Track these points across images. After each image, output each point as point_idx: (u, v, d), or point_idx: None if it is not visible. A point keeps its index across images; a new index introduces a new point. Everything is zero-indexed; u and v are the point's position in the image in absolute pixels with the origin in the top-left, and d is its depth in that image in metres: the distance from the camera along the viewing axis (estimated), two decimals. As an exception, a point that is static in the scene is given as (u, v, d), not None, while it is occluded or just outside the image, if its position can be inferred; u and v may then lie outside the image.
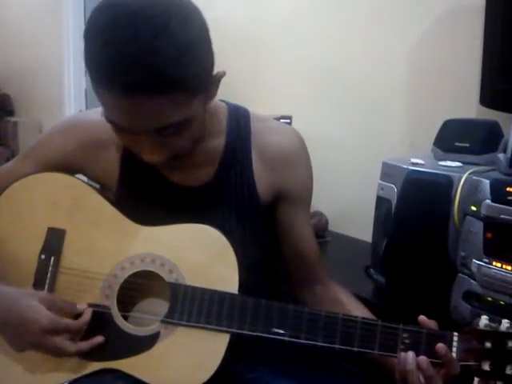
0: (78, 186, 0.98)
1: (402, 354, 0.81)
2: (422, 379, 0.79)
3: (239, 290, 0.87)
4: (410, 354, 0.80)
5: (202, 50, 0.78)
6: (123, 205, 0.96)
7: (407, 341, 0.82)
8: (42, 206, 0.96)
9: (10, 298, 0.86)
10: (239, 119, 0.99)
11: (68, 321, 0.86)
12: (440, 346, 0.80)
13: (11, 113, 4.21)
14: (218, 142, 0.97)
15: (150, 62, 0.71)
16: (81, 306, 0.89)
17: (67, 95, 3.56)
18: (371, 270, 1.45)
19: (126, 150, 0.95)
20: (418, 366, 0.80)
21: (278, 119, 1.74)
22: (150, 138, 0.79)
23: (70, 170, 0.99)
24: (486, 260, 1.09)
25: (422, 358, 0.80)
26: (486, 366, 0.80)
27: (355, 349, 0.83)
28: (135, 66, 0.71)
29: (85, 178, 1.03)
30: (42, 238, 0.95)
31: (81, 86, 3.58)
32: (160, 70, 0.72)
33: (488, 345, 0.80)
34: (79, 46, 3.57)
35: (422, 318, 0.85)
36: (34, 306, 0.85)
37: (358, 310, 0.99)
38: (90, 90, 3.64)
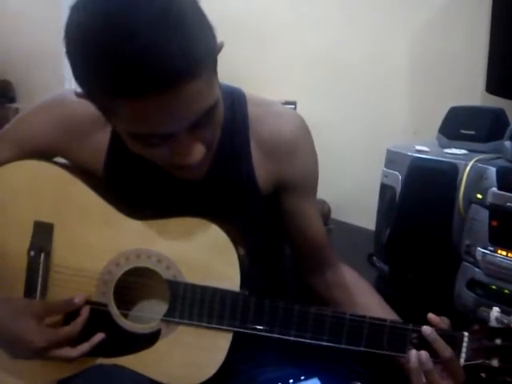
0: (61, 176, 0.90)
1: (408, 351, 0.80)
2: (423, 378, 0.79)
3: (241, 288, 0.84)
4: (413, 352, 0.79)
5: (208, 22, 0.71)
6: (111, 194, 0.89)
7: (416, 341, 0.80)
8: (24, 197, 0.90)
9: (4, 311, 0.84)
10: (235, 104, 0.91)
11: (65, 330, 0.83)
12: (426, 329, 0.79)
13: (13, 99, 4.18)
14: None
15: (180, 44, 0.62)
16: (78, 298, 0.85)
17: (68, 81, 3.54)
18: (374, 257, 1.45)
19: (115, 135, 0.87)
20: (420, 362, 0.78)
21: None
22: (186, 137, 0.71)
23: (50, 153, 0.91)
24: (491, 248, 1.08)
25: (422, 352, 0.79)
26: (495, 363, 0.78)
27: (362, 348, 0.81)
28: (166, 54, 0.61)
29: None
30: (29, 233, 0.89)
31: (82, 73, 3.56)
32: (191, 49, 0.64)
33: (498, 341, 0.79)
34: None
35: (431, 316, 0.83)
36: (28, 326, 0.82)
37: (367, 297, 0.98)
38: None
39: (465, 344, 0.80)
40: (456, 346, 0.80)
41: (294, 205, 0.97)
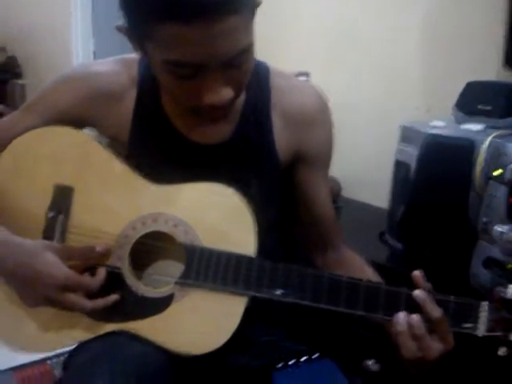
0: (85, 141, 0.92)
1: (394, 315, 0.78)
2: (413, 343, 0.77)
3: (256, 253, 0.84)
4: (401, 315, 0.78)
5: None
6: (135, 161, 0.91)
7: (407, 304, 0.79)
8: (47, 162, 0.91)
9: (23, 250, 0.83)
10: (259, 75, 0.93)
11: (84, 277, 0.84)
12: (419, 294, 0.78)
13: (19, 75, 4.17)
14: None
15: None
16: (100, 247, 0.86)
17: (75, 57, 3.51)
18: (386, 235, 1.43)
19: (139, 103, 0.91)
20: (409, 325, 0.77)
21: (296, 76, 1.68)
22: (216, 73, 0.75)
23: (77, 122, 0.93)
24: (509, 226, 1.06)
25: (414, 315, 0.77)
26: None
27: (380, 315, 0.80)
28: None
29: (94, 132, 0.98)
30: (49, 196, 0.90)
31: (89, 48, 3.53)
32: None
33: None
34: (86, 7, 3.50)
35: (416, 272, 0.82)
36: (50, 259, 0.81)
37: (361, 271, 0.97)
38: (99, 52, 3.60)
39: (485, 313, 0.78)
40: (473, 315, 0.78)
41: (305, 176, 0.99)
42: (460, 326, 0.78)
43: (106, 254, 0.87)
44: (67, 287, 0.81)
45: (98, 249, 0.86)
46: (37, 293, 0.82)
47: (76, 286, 0.82)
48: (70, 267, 0.83)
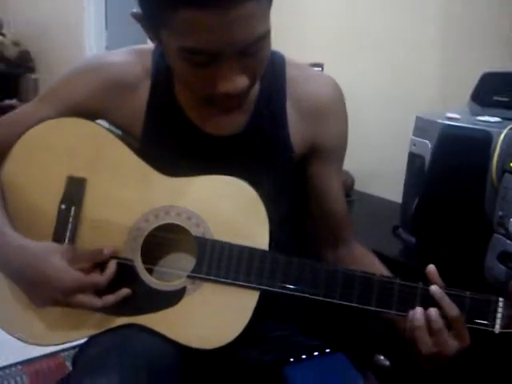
0: (99, 133, 0.91)
1: (411, 310, 0.78)
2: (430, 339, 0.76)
3: (269, 247, 0.84)
4: (419, 310, 0.77)
5: None
6: (148, 153, 0.91)
7: (422, 300, 0.78)
8: (60, 153, 0.91)
9: (31, 253, 0.83)
10: (274, 65, 0.92)
11: (92, 277, 0.83)
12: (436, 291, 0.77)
13: (32, 69, 4.19)
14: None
15: None
16: (107, 250, 0.85)
17: (88, 51, 3.52)
18: (400, 229, 1.41)
19: (153, 93, 0.91)
20: (427, 320, 0.76)
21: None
22: (233, 61, 0.74)
23: (90, 114, 0.93)
24: (526, 219, 1.04)
25: (432, 309, 0.77)
26: None
27: (393, 311, 0.79)
28: None
29: (106, 124, 0.97)
30: (62, 187, 0.90)
31: (101, 42, 3.54)
32: None
33: None
34: (99, 1, 3.50)
35: (431, 267, 0.82)
36: (57, 263, 0.81)
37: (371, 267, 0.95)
38: (111, 46, 3.61)
39: (500, 310, 0.77)
40: (490, 311, 0.77)
41: (319, 170, 0.97)
42: (475, 322, 0.77)
43: (115, 252, 0.86)
44: (75, 289, 0.81)
45: (106, 251, 0.85)
46: (45, 295, 0.83)
47: (84, 287, 0.82)
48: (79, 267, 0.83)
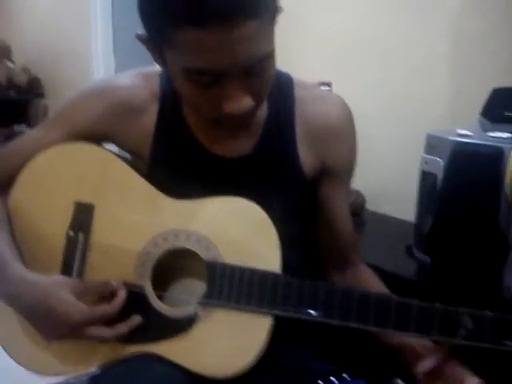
0: (105, 158, 0.91)
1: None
2: None
3: (281, 270, 0.82)
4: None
5: None
6: (156, 176, 0.90)
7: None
8: (68, 179, 0.90)
9: (39, 288, 0.81)
10: (282, 86, 0.91)
11: (101, 308, 0.81)
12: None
13: (41, 95, 4.23)
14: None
15: None
16: (115, 282, 0.84)
17: (96, 75, 3.55)
18: (414, 249, 1.39)
19: (161, 116, 0.90)
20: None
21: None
22: (236, 81, 0.73)
23: (98, 137, 0.92)
24: (543, 236, 1.02)
25: None
26: None
27: (411, 332, 0.76)
28: None
29: (115, 148, 0.96)
30: (70, 214, 0.89)
31: (110, 67, 3.56)
32: None
33: None
34: (107, 27, 3.54)
35: None
36: (65, 297, 0.80)
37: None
38: (119, 70, 3.64)
39: None
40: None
41: (327, 192, 0.96)
42: (501, 343, 0.74)
43: (125, 280, 0.85)
44: (84, 323, 0.80)
45: (114, 284, 0.84)
46: (54, 330, 0.82)
47: (93, 319, 0.80)
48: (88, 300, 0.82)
